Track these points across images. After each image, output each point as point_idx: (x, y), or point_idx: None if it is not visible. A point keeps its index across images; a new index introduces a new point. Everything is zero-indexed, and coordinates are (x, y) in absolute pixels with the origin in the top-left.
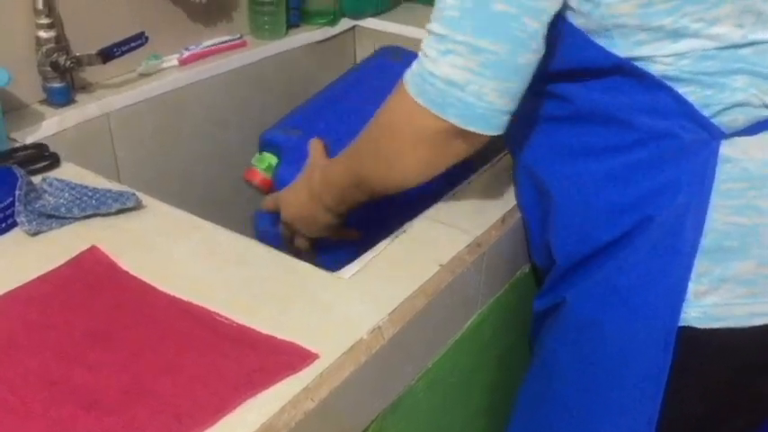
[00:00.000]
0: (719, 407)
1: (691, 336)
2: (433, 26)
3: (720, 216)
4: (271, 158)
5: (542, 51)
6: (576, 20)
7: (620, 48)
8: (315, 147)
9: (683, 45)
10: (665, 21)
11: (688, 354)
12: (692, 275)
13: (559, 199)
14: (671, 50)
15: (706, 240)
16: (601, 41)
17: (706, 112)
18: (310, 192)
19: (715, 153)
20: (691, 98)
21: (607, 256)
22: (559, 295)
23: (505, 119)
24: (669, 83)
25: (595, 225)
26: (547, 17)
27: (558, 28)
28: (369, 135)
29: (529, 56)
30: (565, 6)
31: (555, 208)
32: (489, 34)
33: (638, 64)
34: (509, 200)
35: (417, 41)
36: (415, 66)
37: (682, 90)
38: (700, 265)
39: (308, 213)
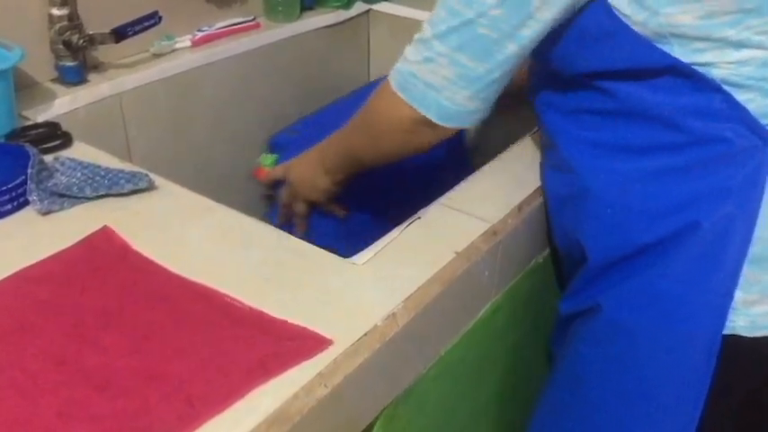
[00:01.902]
0: (759, 416)
1: (736, 344)
2: (425, 30)
3: None
4: (273, 158)
5: (518, 68)
6: (632, 26)
7: (678, 54)
8: None
9: (745, 54)
10: (727, 33)
11: (731, 362)
12: (742, 283)
13: (597, 196)
14: (733, 58)
15: (756, 249)
16: (657, 45)
17: (764, 121)
18: (314, 157)
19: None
20: (750, 106)
21: (647, 260)
22: (592, 299)
23: (477, 116)
24: (728, 88)
25: (636, 226)
26: (528, 41)
27: (609, 27)
28: (361, 116)
29: (503, 73)
30: (617, 11)
31: (591, 204)
32: (469, 52)
33: (697, 68)
34: (526, 187)
35: None
36: (400, 63)
37: (741, 97)
38: (750, 273)
39: (310, 175)
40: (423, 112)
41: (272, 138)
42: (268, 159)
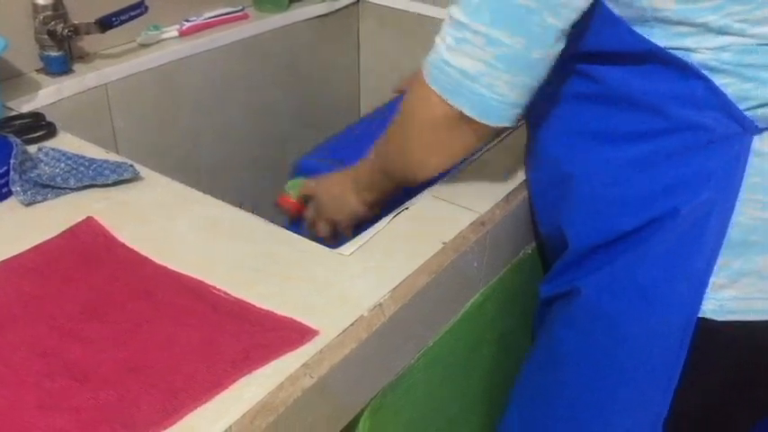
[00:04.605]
0: (728, 400)
1: (706, 328)
2: (453, 11)
3: (747, 210)
4: (303, 182)
5: (560, 47)
6: (614, 8)
7: (659, 38)
8: None
9: (725, 40)
10: (708, 18)
11: (701, 346)
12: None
13: (578, 182)
14: (712, 44)
15: (731, 233)
16: (639, 29)
17: (742, 106)
18: (345, 175)
19: (747, 147)
20: (728, 90)
21: (626, 246)
22: (571, 282)
23: (516, 111)
24: (707, 73)
25: (616, 212)
26: (570, 12)
27: (594, 10)
28: (391, 123)
29: (544, 51)
30: None
31: (573, 191)
32: (507, 27)
33: (677, 53)
34: (514, 178)
35: (421, 17)
36: (432, 53)
37: (720, 82)
38: (720, 258)
39: (339, 191)
40: (457, 105)
41: (298, 161)
42: (296, 185)
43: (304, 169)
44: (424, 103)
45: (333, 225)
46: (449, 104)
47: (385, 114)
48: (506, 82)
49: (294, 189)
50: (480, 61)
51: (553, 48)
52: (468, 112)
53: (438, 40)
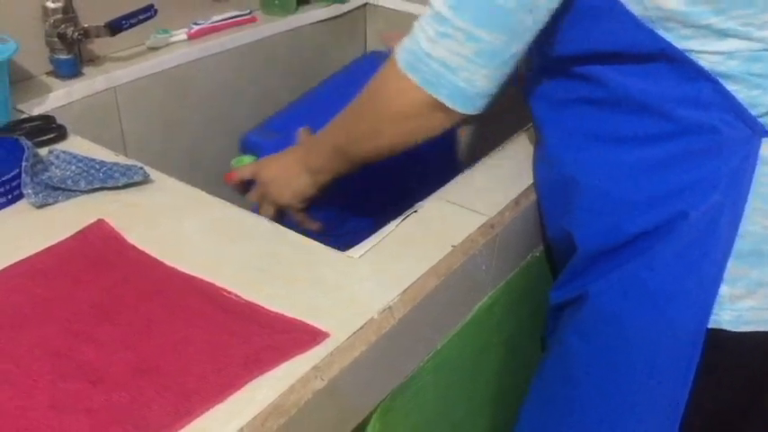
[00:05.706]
0: (740, 407)
1: (721, 338)
2: (437, 3)
3: (759, 219)
4: (250, 160)
5: (532, 40)
6: (626, 5)
7: (668, 39)
8: (303, 131)
9: (730, 44)
10: (711, 20)
11: (716, 355)
12: (727, 278)
13: (586, 186)
14: (717, 48)
15: (743, 243)
16: (649, 28)
17: (752, 112)
18: (294, 154)
19: (756, 151)
20: (739, 96)
21: (635, 250)
22: (581, 288)
23: (488, 100)
24: (717, 77)
25: (624, 216)
26: (545, 13)
27: (602, 7)
28: (357, 106)
29: (522, 46)
30: None
31: (580, 195)
32: (487, 25)
33: (687, 54)
34: (523, 181)
35: None
36: (408, 42)
37: (730, 87)
38: (736, 268)
39: (286, 174)
40: (435, 95)
41: (246, 136)
42: (243, 163)
43: (249, 145)
44: (399, 91)
45: (277, 207)
46: (425, 93)
47: (333, 88)
48: (484, 75)
49: (241, 164)
50: (460, 56)
51: (530, 42)
52: (445, 102)
53: (417, 28)
